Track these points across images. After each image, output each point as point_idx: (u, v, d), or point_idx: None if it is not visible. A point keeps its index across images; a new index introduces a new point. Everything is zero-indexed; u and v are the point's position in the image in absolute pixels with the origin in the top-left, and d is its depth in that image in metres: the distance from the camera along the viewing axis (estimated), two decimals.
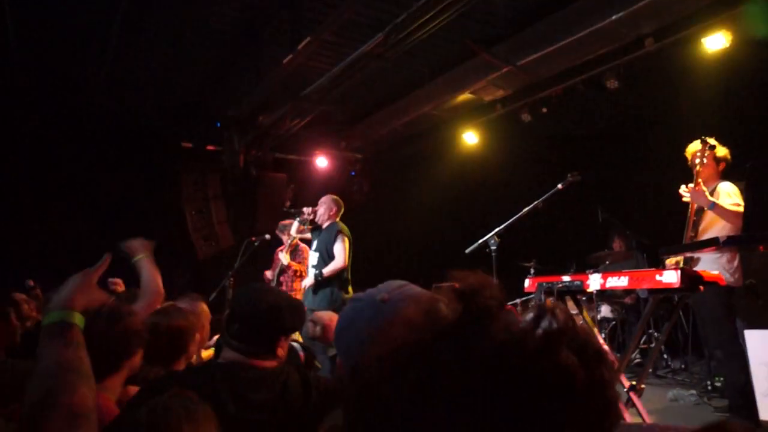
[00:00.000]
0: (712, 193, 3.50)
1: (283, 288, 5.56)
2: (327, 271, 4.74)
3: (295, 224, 5.20)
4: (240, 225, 7.71)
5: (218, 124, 7.19)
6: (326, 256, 4.80)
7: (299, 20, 4.87)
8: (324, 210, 4.94)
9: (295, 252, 5.63)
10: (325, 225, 4.96)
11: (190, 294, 2.69)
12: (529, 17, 5.14)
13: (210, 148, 7.70)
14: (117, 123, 7.09)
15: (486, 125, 6.88)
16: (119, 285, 3.19)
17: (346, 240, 4.84)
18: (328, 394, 1.50)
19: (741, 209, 3.25)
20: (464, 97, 6.51)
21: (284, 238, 5.66)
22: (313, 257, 4.95)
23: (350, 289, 4.87)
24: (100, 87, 6.25)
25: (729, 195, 3.48)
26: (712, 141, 3.50)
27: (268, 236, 5.65)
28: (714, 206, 3.34)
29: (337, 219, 5.01)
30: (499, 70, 5.66)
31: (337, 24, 4.66)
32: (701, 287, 2.49)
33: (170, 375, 1.75)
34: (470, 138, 7.02)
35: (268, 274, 5.66)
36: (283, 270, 5.56)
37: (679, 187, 3.58)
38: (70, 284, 1.26)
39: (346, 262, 4.80)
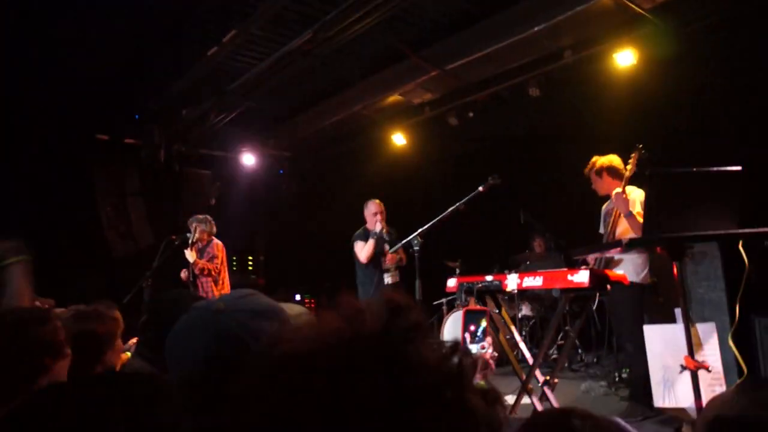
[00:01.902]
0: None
1: (201, 291, 5.39)
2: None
3: (370, 243, 5.11)
4: (161, 223, 7.33)
5: (137, 117, 6.79)
6: None
7: (226, 12, 4.71)
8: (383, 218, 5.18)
9: (203, 250, 5.52)
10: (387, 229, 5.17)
11: (102, 301, 2.51)
12: (458, 24, 5.26)
13: (129, 141, 7.27)
14: (18, 109, 6.48)
15: (414, 127, 6.97)
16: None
17: None
18: None
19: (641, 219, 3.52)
20: (393, 98, 6.56)
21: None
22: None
23: None
24: None
25: (634, 203, 3.73)
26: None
27: (189, 234, 5.47)
28: (630, 215, 3.61)
29: None
30: (427, 73, 5.76)
31: (264, 18, 4.55)
32: (608, 286, 2.66)
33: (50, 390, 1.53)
34: (399, 139, 7.09)
35: (183, 274, 5.50)
36: (193, 269, 5.40)
37: (590, 191, 3.82)
38: None
39: None
